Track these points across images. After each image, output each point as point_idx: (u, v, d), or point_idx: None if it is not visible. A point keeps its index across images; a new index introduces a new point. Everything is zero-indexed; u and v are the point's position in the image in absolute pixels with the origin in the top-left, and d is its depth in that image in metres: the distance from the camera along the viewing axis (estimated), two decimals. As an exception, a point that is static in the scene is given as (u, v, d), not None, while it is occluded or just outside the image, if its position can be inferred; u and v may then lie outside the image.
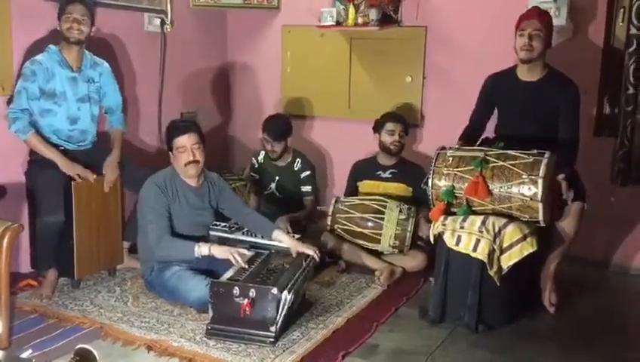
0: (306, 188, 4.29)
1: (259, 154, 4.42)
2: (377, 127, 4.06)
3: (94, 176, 3.32)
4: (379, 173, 4.08)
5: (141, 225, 3.29)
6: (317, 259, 3.29)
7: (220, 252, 3.07)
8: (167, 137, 3.32)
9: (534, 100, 3.27)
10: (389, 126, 4.00)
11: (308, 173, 4.30)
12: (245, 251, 3.05)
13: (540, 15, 3.24)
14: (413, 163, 4.11)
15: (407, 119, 4.14)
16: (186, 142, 3.22)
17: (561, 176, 3.01)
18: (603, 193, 3.72)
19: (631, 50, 3.48)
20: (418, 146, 4.48)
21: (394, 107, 4.40)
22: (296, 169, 4.30)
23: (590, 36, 3.88)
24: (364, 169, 4.16)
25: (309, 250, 3.28)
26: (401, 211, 3.70)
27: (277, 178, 4.32)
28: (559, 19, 3.72)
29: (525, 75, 3.31)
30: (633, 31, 3.50)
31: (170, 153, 3.31)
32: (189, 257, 3.10)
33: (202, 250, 3.07)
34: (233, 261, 3.01)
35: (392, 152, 4.01)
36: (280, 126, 4.23)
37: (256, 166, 4.42)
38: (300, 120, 4.85)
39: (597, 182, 3.51)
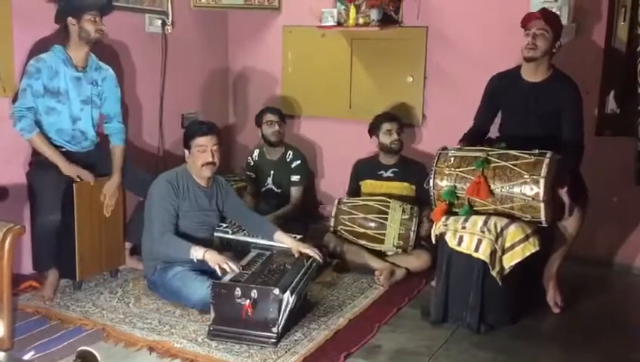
0: (295, 178, 4.31)
1: (253, 153, 4.47)
2: (373, 130, 4.06)
3: (93, 180, 3.31)
4: (381, 172, 4.07)
5: (147, 224, 3.29)
6: (320, 261, 3.29)
7: (213, 261, 3.04)
8: (187, 135, 3.34)
9: (538, 101, 3.26)
10: (386, 126, 4.00)
11: (299, 162, 4.33)
12: (234, 267, 2.99)
13: (546, 16, 3.22)
14: (415, 161, 4.11)
15: (401, 117, 4.15)
16: (207, 142, 3.26)
17: (564, 190, 2.99)
18: (605, 193, 3.72)
19: (638, 49, 3.48)
20: (420, 146, 4.48)
21: (395, 107, 4.41)
22: (288, 160, 4.34)
23: (592, 36, 3.88)
24: (366, 168, 4.15)
25: (310, 251, 3.29)
26: (404, 211, 3.69)
27: (272, 172, 4.35)
28: (558, 14, 3.71)
29: (530, 75, 3.30)
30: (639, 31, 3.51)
31: (187, 151, 3.33)
32: (185, 257, 3.10)
33: (198, 253, 3.06)
34: (219, 272, 2.98)
35: (393, 151, 4.00)
36: (277, 108, 4.36)
37: (252, 164, 4.46)
38: (301, 120, 4.85)
39: (599, 182, 3.50)
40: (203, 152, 3.26)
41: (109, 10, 3.43)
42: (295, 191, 4.30)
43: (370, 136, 4.09)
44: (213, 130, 3.33)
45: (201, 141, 3.26)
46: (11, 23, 3.38)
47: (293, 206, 4.25)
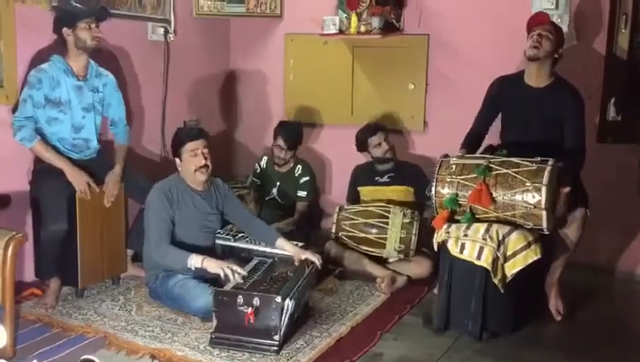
0: (302, 193, 4.31)
1: (262, 160, 4.47)
2: (362, 147, 4.09)
3: (98, 189, 3.32)
4: (377, 178, 4.09)
5: (146, 233, 3.28)
6: (319, 266, 3.29)
7: (212, 267, 3.02)
8: (176, 143, 3.34)
9: (540, 106, 3.26)
10: (374, 141, 4.02)
11: (307, 178, 4.32)
12: (239, 269, 3.00)
13: (551, 20, 3.25)
14: (410, 163, 4.14)
15: (383, 124, 4.18)
16: (198, 145, 3.27)
17: (565, 190, 2.99)
18: (606, 199, 3.71)
19: None
20: (421, 153, 4.48)
21: (396, 114, 4.41)
22: (296, 175, 4.33)
23: (592, 43, 3.88)
24: (363, 174, 4.17)
25: (313, 257, 3.29)
26: (405, 215, 3.69)
27: (278, 183, 4.35)
28: (562, 26, 3.72)
29: (532, 80, 3.30)
30: None
31: (177, 160, 3.33)
32: (183, 267, 3.09)
33: (195, 261, 3.05)
34: (222, 276, 2.95)
35: (389, 160, 4.03)
36: (295, 135, 4.30)
37: (259, 171, 4.46)
38: (303, 127, 4.85)
39: (600, 189, 3.50)
40: (195, 156, 3.26)
41: (104, 17, 3.42)
42: (301, 207, 4.30)
43: (361, 152, 4.11)
44: (202, 134, 3.34)
45: (192, 145, 3.26)
46: (15, 32, 3.40)
47: (297, 220, 4.23)
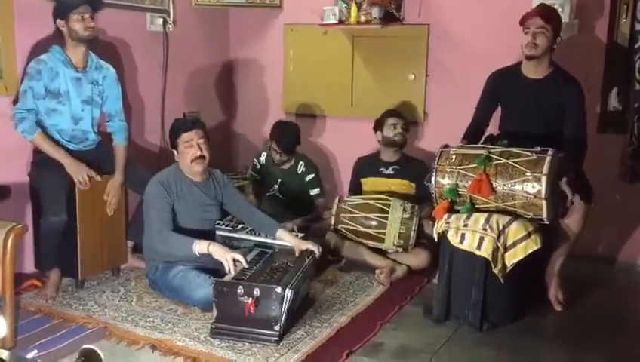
0: (315, 191, 4.27)
1: (260, 155, 4.42)
2: (378, 125, 4.07)
3: (99, 178, 3.32)
4: (381, 169, 4.08)
5: (146, 225, 3.28)
6: (316, 255, 3.28)
7: (217, 253, 3.02)
8: (173, 134, 3.32)
9: (538, 98, 3.26)
10: (391, 120, 4.01)
11: (313, 175, 4.28)
12: (242, 259, 3.01)
13: (543, 13, 3.21)
14: (416, 159, 4.12)
15: (406, 116, 4.15)
16: (193, 136, 3.24)
17: (563, 181, 2.99)
18: (608, 190, 3.71)
19: (637, 46, 3.47)
20: (421, 144, 4.47)
21: (397, 105, 4.40)
22: (299, 172, 4.28)
23: (594, 32, 3.87)
24: (367, 165, 4.16)
25: (313, 247, 3.29)
26: (404, 210, 3.68)
27: (279, 180, 4.31)
28: (562, 16, 3.70)
29: (530, 72, 3.29)
30: (638, 27, 3.50)
31: (175, 151, 3.32)
32: (188, 253, 3.07)
33: (201, 247, 3.03)
34: (226, 267, 2.96)
35: (397, 144, 4.01)
36: (292, 140, 4.22)
37: (258, 167, 4.42)
38: (302, 118, 4.84)
39: (602, 179, 3.49)
40: (190, 147, 3.24)
41: (98, 7, 3.39)
42: (319, 204, 4.27)
43: (375, 132, 4.09)
44: (197, 125, 3.32)
45: (187, 136, 3.24)
46: (13, 21, 3.39)
47: (317, 216, 4.20)
